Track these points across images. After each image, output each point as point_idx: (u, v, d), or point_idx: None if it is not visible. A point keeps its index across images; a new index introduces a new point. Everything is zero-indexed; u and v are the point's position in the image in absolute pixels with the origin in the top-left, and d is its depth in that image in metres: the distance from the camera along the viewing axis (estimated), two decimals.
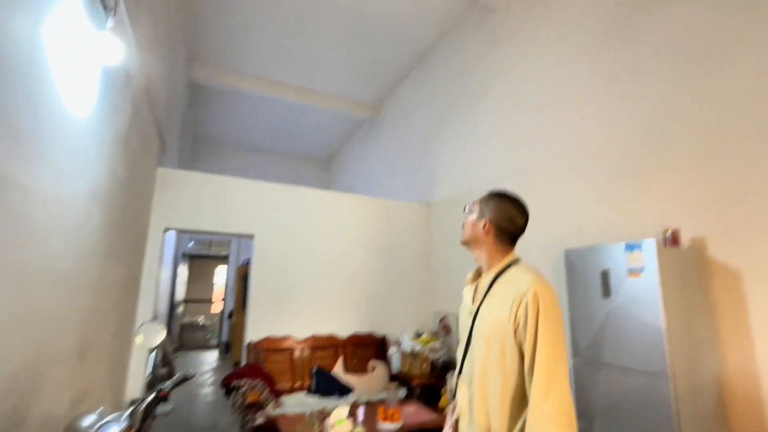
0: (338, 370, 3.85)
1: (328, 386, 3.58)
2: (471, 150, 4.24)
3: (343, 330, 4.19)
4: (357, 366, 4.03)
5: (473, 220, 1.27)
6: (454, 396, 1.27)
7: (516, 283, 1.14)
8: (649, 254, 2.05)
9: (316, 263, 4.22)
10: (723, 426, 2.04)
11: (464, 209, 1.33)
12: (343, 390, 3.58)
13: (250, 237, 4.05)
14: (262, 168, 8.31)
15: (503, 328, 1.11)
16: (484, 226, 1.23)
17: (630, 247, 2.13)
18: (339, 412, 2.56)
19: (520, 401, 1.08)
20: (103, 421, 1.25)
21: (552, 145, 3.28)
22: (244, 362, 3.67)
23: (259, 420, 2.87)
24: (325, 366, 3.85)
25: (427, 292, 4.74)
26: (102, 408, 1.33)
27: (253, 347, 3.71)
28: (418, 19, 4.54)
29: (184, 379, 1.45)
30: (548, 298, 1.08)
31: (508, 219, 1.21)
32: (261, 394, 3.12)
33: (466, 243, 1.29)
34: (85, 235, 1.87)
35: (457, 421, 1.22)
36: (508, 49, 3.88)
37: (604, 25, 2.96)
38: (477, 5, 4.20)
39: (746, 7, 2.18)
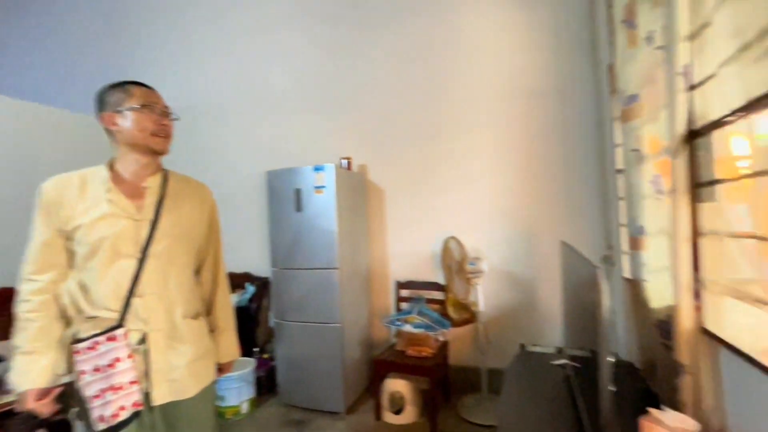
0: None
1: None
2: (177, 63, 3.68)
3: None
4: None
5: None
6: (122, 318, 1.03)
7: (195, 188, 1.27)
8: (329, 175, 2.53)
9: None
10: (367, 294, 2.93)
11: (172, 113, 1.18)
12: None
13: None
14: None
15: (197, 225, 1.22)
16: None
17: (317, 169, 2.55)
18: None
19: (196, 288, 1.24)
20: None
21: (256, 76, 3.36)
22: None
23: None
24: None
25: None
26: None
27: None
28: None
29: None
30: None
31: None
32: None
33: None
34: None
35: (142, 344, 1.06)
36: None
37: None
38: None
39: None
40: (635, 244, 1.61)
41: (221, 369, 1.33)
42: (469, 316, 2.58)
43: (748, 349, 0.93)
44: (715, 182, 1.06)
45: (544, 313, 2.60)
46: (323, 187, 2.53)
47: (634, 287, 1.69)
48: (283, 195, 2.64)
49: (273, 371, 2.80)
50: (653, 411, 1.10)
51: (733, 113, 0.94)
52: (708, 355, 1.11)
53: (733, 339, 1.00)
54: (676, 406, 1.19)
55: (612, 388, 1.08)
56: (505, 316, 2.69)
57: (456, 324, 2.56)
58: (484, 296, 2.55)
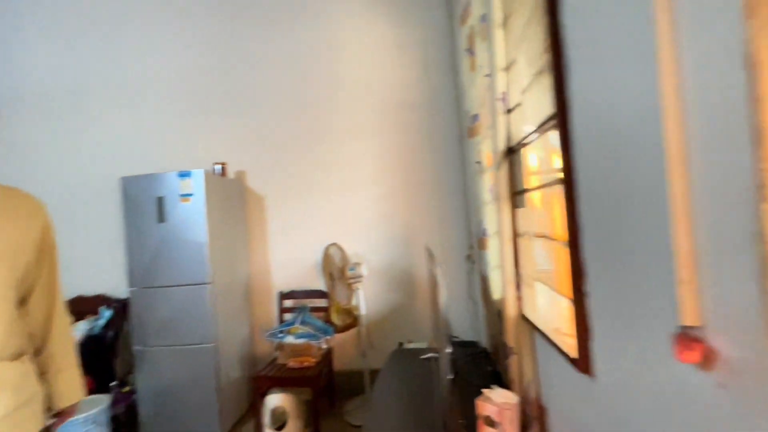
0: None
1: None
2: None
3: None
4: None
5: None
6: None
7: (21, 201, 1.02)
8: (198, 182, 2.33)
9: None
10: (247, 308, 2.77)
11: None
12: None
13: None
14: None
15: (22, 247, 0.98)
16: None
17: (182, 175, 2.33)
18: None
19: (18, 322, 0.99)
20: None
21: (111, 66, 2.95)
22: None
23: None
24: None
25: None
26: None
27: None
28: None
29: None
30: None
31: None
32: None
33: None
34: None
35: None
36: None
37: None
38: None
39: None
40: (481, 244, 1.84)
41: (61, 414, 1.11)
42: (352, 320, 2.63)
43: (546, 330, 1.13)
44: (524, 191, 1.26)
45: (421, 311, 2.79)
46: (190, 195, 2.33)
47: (484, 282, 1.92)
48: (143, 204, 2.36)
49: (134, 406, 2.46)
50: (485, 391, 1.26)
51: (529, 135, 1.13)
52: (527, 337, 1.32)
53: (539, 322, 1.20)
54: (507, 383, 1.38)
55: (450, 376, 1.20)
56: (387, 317, 2.81)
57: (340, 330, 2.58)
58: (365, 300, 2.62)
